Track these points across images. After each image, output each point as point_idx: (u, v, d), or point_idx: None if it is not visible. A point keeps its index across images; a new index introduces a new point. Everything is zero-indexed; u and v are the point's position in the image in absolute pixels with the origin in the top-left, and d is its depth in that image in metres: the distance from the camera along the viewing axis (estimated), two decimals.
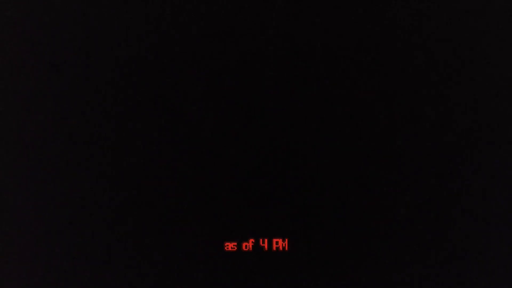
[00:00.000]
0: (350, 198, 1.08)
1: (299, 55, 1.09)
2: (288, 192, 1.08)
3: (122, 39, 1.09)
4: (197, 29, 1.09)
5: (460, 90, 1.09)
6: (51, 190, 1.08)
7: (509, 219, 1.08)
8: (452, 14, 1.09)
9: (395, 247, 1.07)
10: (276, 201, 1.08)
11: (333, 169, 1.08)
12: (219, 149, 1.08)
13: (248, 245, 1.07)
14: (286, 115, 1.08)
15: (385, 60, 1.09)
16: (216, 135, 1.08)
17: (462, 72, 1.09)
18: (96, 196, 1.08)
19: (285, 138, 1.08)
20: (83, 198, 1.08)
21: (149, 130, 1.08)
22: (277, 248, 1.07)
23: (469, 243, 1.08)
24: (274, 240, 1.08)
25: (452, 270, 1.08)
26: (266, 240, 1.08)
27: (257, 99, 1.08)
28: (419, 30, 1.09)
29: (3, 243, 1.08)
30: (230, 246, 1.07)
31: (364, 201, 1.08)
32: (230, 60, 1.09)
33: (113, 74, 1.09)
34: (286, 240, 1.07)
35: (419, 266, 1.07)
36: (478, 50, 1.09)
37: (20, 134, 1.09)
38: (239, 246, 1.07)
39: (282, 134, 1.08)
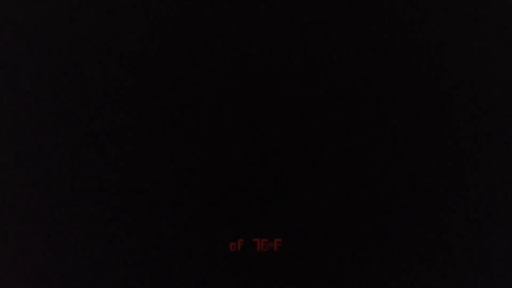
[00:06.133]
0: (348, 198, 1.07)
1: (298, 55, 1.09)
2: (283, 191, 1.08)
3: (119, 39, 1.11)
4: (195, 29, 1.10)
5: (460, 90, 1.08)
6: (48, 189, 1.11)
7: (509, 219, 1.07)
8: (452, 14, 1.08)
9: (395, 248, 1.07)
10: (270, 200, 1.08)
11: (331, 169, 1.08)
12: (216, 149, 1.09)
13: (236, 245, 1.08)
14: (284, 115, 1.08)
15: (385, 60, 1.08)
16: (214, 134, 1.09)
17: (463, 72, 1.08)
18: (95, 196, 1.10)
19: (284, 137, 1.08)
20: (84, 198, 1.10)
21: (147, 130, 1.09)
22: (268, 248, 1.08)
23: (469, 243, 1.07)
24: (261, 240, 1.08)
25: (453, 270, 1.07)
26: (258, 240, 1.08)
27: (256, 98, 1.09)
28: (420, 30, 1.08)
29: (3, 243, 1.11)
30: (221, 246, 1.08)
31: (362, 201, 1.07)
32: (229, 60, 1.10)
33: (109, 73, 1.11)
34: (275, 240, 1.08)
35: (417, 268, 1.07)
36: (480, 49, 1.08)
37: (19, 134, 1.11)
38: (227, 246, 1.08)
39: (281, 133, 1.08)
